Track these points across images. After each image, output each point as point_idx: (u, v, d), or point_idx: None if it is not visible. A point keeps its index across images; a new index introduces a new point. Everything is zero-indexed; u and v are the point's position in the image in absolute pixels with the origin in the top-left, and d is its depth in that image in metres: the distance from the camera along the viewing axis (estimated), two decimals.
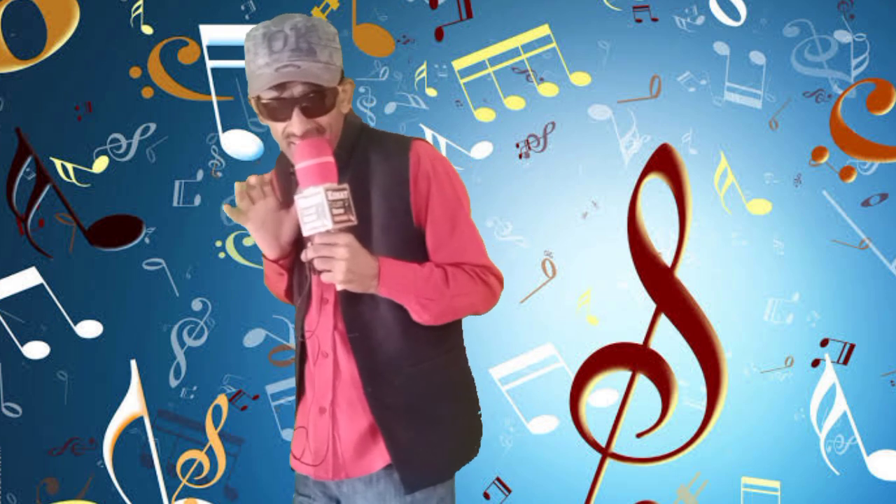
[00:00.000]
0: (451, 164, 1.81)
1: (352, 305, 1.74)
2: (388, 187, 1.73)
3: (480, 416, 1.91)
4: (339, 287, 1.66)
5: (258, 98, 1.70)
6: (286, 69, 1.62)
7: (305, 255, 1.65)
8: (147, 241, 3.36)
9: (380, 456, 1.79)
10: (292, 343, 3.35)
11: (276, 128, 1.72)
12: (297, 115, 1.66)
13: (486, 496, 3.26)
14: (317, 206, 1.59)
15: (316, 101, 1.66)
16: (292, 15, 1.67)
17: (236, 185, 1.72)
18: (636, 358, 3.23)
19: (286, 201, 1.76)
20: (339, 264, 1.62)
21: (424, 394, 1.79)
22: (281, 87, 1.65)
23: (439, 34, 3.29)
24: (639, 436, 3.22)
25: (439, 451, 1.80)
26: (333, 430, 1.80)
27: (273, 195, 1.73)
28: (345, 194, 1.62)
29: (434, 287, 1.71)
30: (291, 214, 1.74)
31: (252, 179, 1.73)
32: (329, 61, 1.67)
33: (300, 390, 1.89)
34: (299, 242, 1.81)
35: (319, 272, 1.64)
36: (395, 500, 1.78)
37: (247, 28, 3.31)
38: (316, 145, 1.63)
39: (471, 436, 1.87)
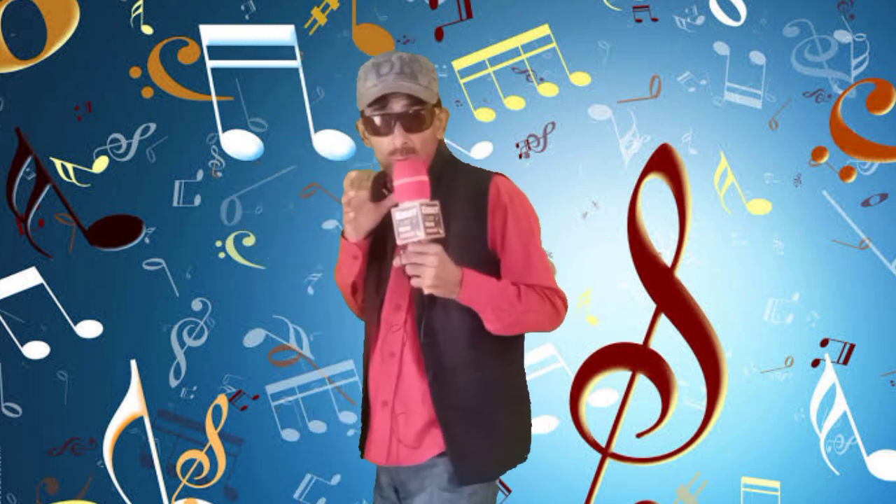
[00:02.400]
0: (527, 198, 2.03)
1: (426, 314, 1.94)
2: (467, 215, 1.95)
3: (530, 427, 2.10)
4: (426, 291, 1.85)
5: (364, 118, 1.96)
6: (391, 86, 1.90)
7: (398, 262, 1.84)
8: (147, 241, 3.36)
9: (432, 446, 1.97)
10: (292, 343, 3.35)
11: (381, 144, 1.94)
12: (397, 129, 1.91)
13: None
14: (411, 219, 1.80)
15: (415, 117, 1.92)
16: (398, 51, 1.98)
17: (351, 174, 1.97)
18: (636, 358, 3.23)
19: (375, 198, 1.98)
20: (429, 271, 1.82)
21: (484, 399, 1.97)
22: (384, 103, 1.91)
23: (439, 34, 3.29)
24: (639, 436, 3.22)
25: (491, 452, 1.98)
26: (392, 421, 1.98)
27: (367, 188, 1.96)
28: (436, 210, 1.82)
29: (508, 300, 1.91)
30: (376, 208, 1.96)
31: (356, 174, 1.96)
32: (428, 86, 1.93)
33: (366, 384, 2.08)
34: (375, 241, 2.02)
35: (410, 277, 1.84)
36: (436, 484, 1.96)
37: (247, 28, 3.32)
38: (414, 165, 1.85)
39: (521, 443, 2.06)
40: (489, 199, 1.96)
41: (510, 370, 2.05)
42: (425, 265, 1.82)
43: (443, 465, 1.96)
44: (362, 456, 2.09)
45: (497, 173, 2.02)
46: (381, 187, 2.01)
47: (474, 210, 1.96)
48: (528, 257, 1.98)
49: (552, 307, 1.97)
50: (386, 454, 2.00)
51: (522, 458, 2.06)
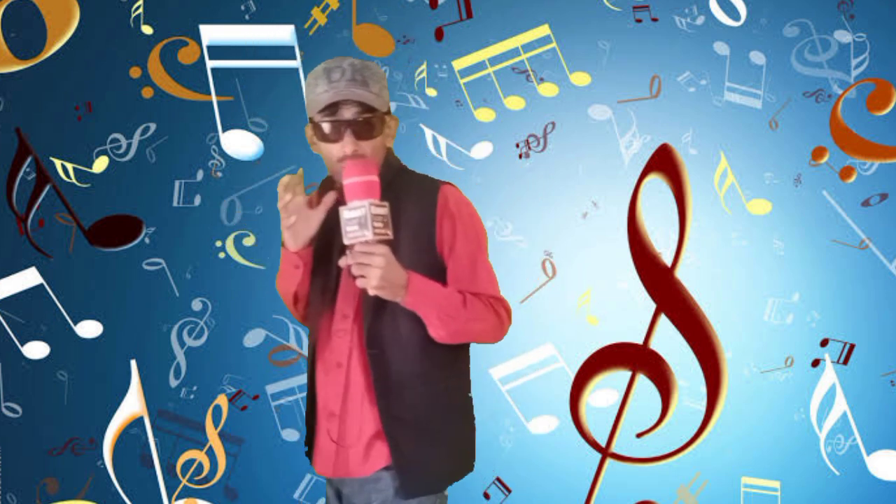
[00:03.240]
0: (473, 207, 2.02)
1: (374, 323, 1.92)
2: (416, 222, 1.94)
3: (474, 438, 2.08)
4: (371, 292, 1.82)
5: (312, 124, 1.94)
6: (342, 92, 1.89)
7: (344, 261, 1.82)
8: (147, 241, 3.36)
9: (378, 459, 1.95)
10: (292, 343, 3.35)
11: (330, 151, 1.94)
12: (348, 136, 1.89)
13: (486, 496, 3.26)
14: (360, 219, 1.78)
15: (365, 124, 1.90)
16: (348, 57, 1.98)
17: (284, 179, 1.94)
18: (636, 358, 3.23)
19: (315, 204, 1.96)
20: (375, 272, 1.79)
21: (431, 411, 1.96)
22: (335, 109, 1.90)
23: (439, 34, 3.29)
24: (639, 436, 3.22)
25: (438, 464, 1.97)
26: (340, 432, 1.96)
27: (302, 193, 1.94)
28: (385, 211, 1.81)
29: (453, 306, 1.89)
30: (315, 214, 1.93)
31: (289, 178, 1.94)
32: (379, 94, 1.93)
33: (311, 393, 2.05)
34: (316, 249, 2.00)
35: (355, 277, 1.81)
36: (381, 499, 1.95)
37: (247, 28, 3.32)
38: (363, 165, 1.83)
39: (467, 455, 2.05)
40: (437, 208, 1.96)
41: (457, 382, 2.04)
42: (371, 265, 1.79)
43: (388, 478, 1.95)
44: (311, 465, 2.07)
45: (446, 182, 2.02)
46: (328, 191, 1.98)
47: (423, 217, 1.95)
48: (474, 266, 1.98)
49: (496, 317, 1.96)
50: (333, 466, 1.99)
51: (469, 469, 2.05)
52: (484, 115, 3.30)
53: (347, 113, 1.90)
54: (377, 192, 1.82)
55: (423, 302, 1.87)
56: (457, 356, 2.01)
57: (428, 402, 1.95)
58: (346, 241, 1.81)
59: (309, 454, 2.08)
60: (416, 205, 1.96)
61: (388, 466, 1.95)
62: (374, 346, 1.92)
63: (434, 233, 1.95)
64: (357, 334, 1.95)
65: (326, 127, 1.91)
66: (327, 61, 1.95)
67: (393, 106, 3.30)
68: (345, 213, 1.80)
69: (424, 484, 1.96)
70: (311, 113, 1.95)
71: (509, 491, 3.29)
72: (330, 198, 1.91)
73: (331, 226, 1.94)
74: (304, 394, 3.33)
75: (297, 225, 1.92)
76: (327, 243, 1.98)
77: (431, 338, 1.92)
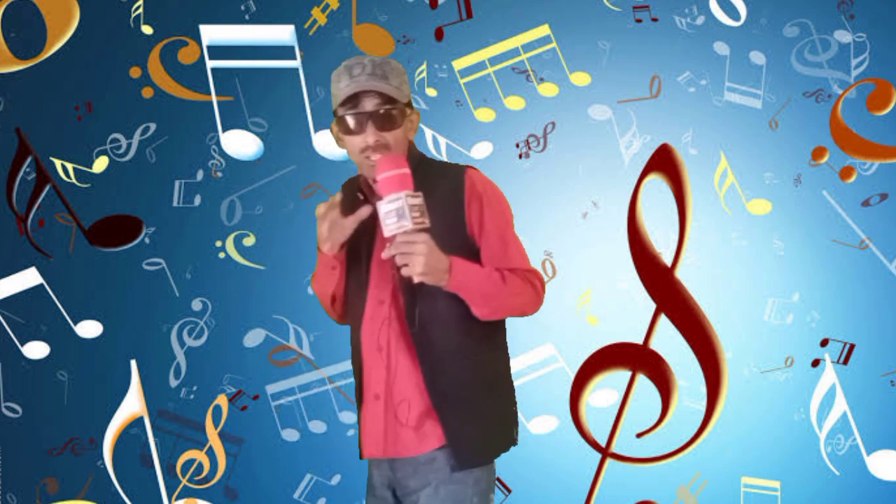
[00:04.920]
0: (498, 188, 2.09)
1: (413, 303, 1.98)
2: (445, 207, 2.00)
3: (517, 410, 2.14)
4: (416, 280, 1.88)
5: (337, 119, 2.00)
6: (362, 85, 1.95)
7: (387, 253, 1.88)
8: (147, 241, 3.36)
9: (432, 438, 2.01)
10: (292, 343, 3.36)
11: (353, 143, 1.99)
12: (370, 127, 1.96)
13: None
14: (398, 210, 1.84)
15: (386, 116, 1.96)
16: (369, 55, 2.05)
17: (320, 206, 1.99)
18: (636, 358, 3.23)
19: (346, 212, 2.03)
20: (419, 259, 1.85)
21: (473, 384, 2.02)
22: (356, 102, 1.96)
23: (439, 34, 3.29)
24: (639, 436, 3.22)
25: (485, 436, 2.03)
26: (386, 413, 2.02)
27: (336, 207, 1.99)
28: (420, 200, 1.86)
29: (494, 284, 1.96)
30: (348, 222, 2.00)
31: (330, 202, 1.99)
32: (399, 87, 1.99)
33: (358, 385, 2.11)
34: (349, 246, 2.07)
35: (398, 268, 1.87)
36: (435, 477, 2.00)
37: (247, 28, 3.32)
38: (395, 159, 1.89)
39: (509, 426, 2.10)
40: (465, 191, 2.02)
41: (496, 355, 2.10)
42: (414, 253, 1.85)
43: (442, 457, 2.00)
44: (361, 456, 2.12)
45: (469, 166, 2.08)
46: (356, 191, 2.06)
47: (452, 202, 2.01)
48: (505, 243, 2.04)
49: (533, 290, 2.03)
50: (383, 447, 2.03)
51: (513, 442, 2.10)
52: (484, 115, 3.30)
53: (369, 105, 1.96)
54: (410, 183, 1.87)
55: (466, 284, 1.93)
56: (495, 329, 2.07)
57: (471, 376, 2.01)
58: (386, 234, 1.87)
59: (360, 444, 2.13)
60: (443, 191, 2.02)
61: (440, 447, 2.00)
62: (415, 324, 1.99)
63: (463, 215, 2.00)
64: (395, 318, 2.01)
65: (349, 119, 1.97)
66: (348, 59, 2.02)
67: None
68: (382, 207, 1.85)
69: (474, 456, 2.01)
70: (334, 108, 2.02)
71: (509, 491, 3.29)
72: (366, 211, 1.99)
73: (358, 226, 2.01)
74: (304, 394, 3.35)
75: (334, 232, 1.98)
76: (353, 241, 2.04)
77: (469, 314, 1.98)
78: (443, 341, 1.99)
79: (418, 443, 2.01)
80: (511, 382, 2.14)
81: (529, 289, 2.02)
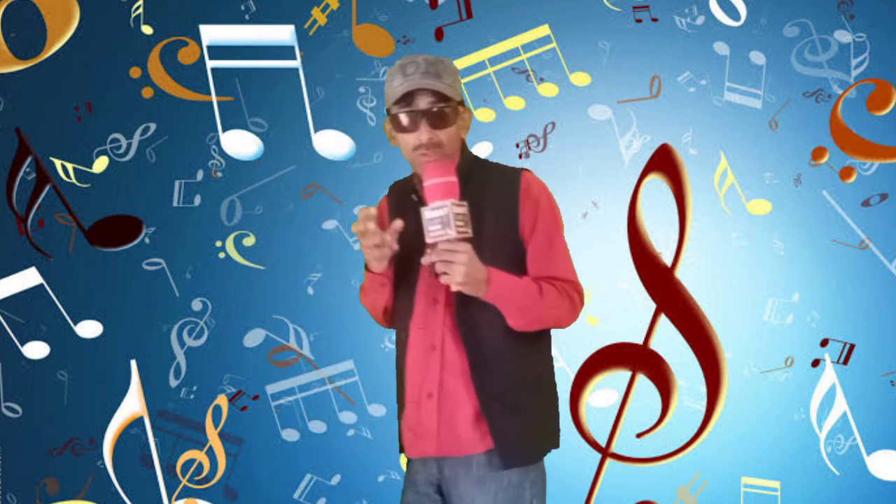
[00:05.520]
0: (551, 193, 2.11)
1: (464, 305, 2.00)
2: (500, 208, 2.02)
3: (558, 412, 2.17)
4: (454, 288, 1.89)
5: (390, 116, 2.01)
6: (416, 83, 1.96)
7: (427, 260, 1.89)
8: (147, 241, 3.36)
9: (480, 440, 2.02)
10: (292, 343, 3.36)
11: (406, 141, 2.01)
12: (423, 125, 1.97)
13: None
14: (442, 218, 1.84)
15: (439, 113, 1.98)
16: (423, 53, 2.04)
17: (366, 211, 1.96)
18: (636, 358, 3.23)
19: (395, 213, 2.05)
20: (459, 268, 1.86)
21: (519, 385, 2.04)
22: (410, 100, 1.98)
23: (439, 34, 3.29)
24: (639, 436, 3.22)
25: (530, 435, 2.05)
26: (440, 412, 2.03)
27: (375, 222, 1.98)
28: (465, 210, 1.87)
29: (530, 296, 1.97)
30: (387, 237, 1.98)
31: (367, 210, 1.96)
32: (452, 85, 2.00)
33: (401, 381, 2.11)
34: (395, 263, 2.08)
35: (438, 275, 1.89)
36: (493, 481, 2.01)
37: (247, 28, 3.32)
38: (443, 166, 1.89)
39: (554, 427, 2.14)
40: (520, 192, 2.03)
41: (541, 358, 2.11)
42: (455, 262, 1.86)
43: (496, 461, 2.01)
44: (405, 453, 2.12)
45: (525, 168, 2.10)
46: (408, 192, 2.07)
47: (507, 204, 2.03)
48: (553, 249, 2.05)
49: (570, 302, 2.03)
50: (436, 445, 2.04)
51: (556, 443, 2.13)
52: (484, 115, 3.30)
53: (422, 103, 1.97)
54: (457, 192, 1.88)
55: (503, 295, 1.94)
56: (541, 332, 2.08)
57: (516, 375, 2.03)
58: (428, 241, 1.87)
59: (401, 445, 2.14)
60: (499, 191, 2.04)
61: (491, 450, 2.01)
62: (465, 324, 2.00)
63: (518, 217, 2.02)
64: (448, 318, 2.02)
65: (403, 117, 1.98)
66: (402, 58, 2.03)
67: None
68: (426, 213, 1.86)
69: (522, 454, 2.03)
70: (388, 106, 2.03)
71: None
72: (398, 224, 1.98)
73: (406, 228, 2.00)
74: (304, 394, 3.35)
75: (383, 250, 1.98)
76: (404, 243, 2.03)
77: None
78: (491, 342, 2.01)
79: (473, 442, 2.02)
80: (554, 385, 2.16)
81: (566, 302, 2.02)
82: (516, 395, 2.03)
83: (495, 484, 2.01)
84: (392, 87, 2.00)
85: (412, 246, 2.02)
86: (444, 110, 1.98)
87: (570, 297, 2.03)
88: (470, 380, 2.01)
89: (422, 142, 1.98)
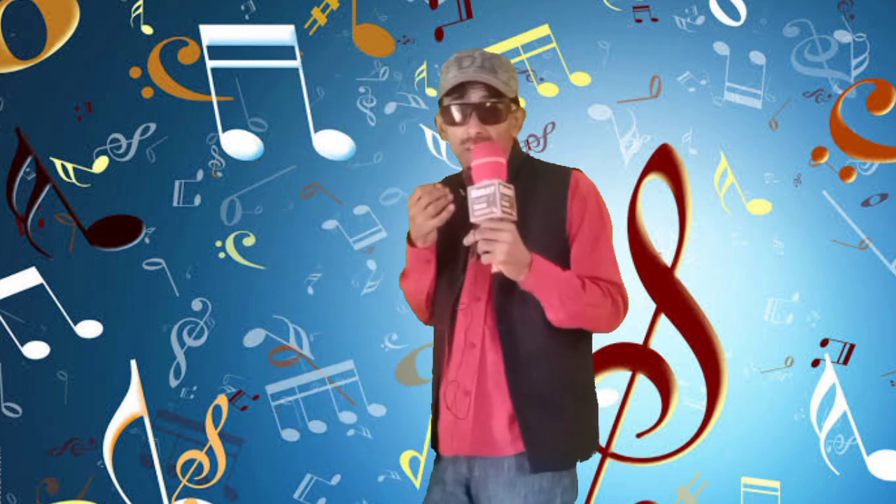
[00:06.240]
0: (600, 194, 2.07)
1: (504, 301, 1.96)
2: (548, 205, 1.99)
3: (597, 420, 2.10)
4: (495, 268, 1.85)
5: (441, 109, 1.98)
6: (470, 76, 1.93)
7: (470, 239, 1.85)
8: (147, 241, 3.37)
9: (513, 442, 1.98)
10: (292, 343, 3.36)
11: (455, 134, 1.97)
12: (473, 119, 1.94)
13: None
14: (488, 196, 1.81)
15: (491, 109, 1.94)
16: (480, 48, 2.02)
17: (434, 187, 1.93)
18: (636, 358, 3.23)
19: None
20: (502, 246, 1.82)
21: (556, 388, 1.99)
22: (462, 92, 1.94)
23: (439, 34, 3.29)
24: (639, 436, 3.22)
25: (564, 440, 1.99)
26: (476, 410, 1.99)
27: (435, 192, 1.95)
28: (511, 192, 1.84)
29: (573, 289, 1.92)
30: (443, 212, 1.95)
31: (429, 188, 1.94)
32: (507, 82, 1.97)
33: (437, 377, 2.08)
34: (439, 242, 2.03)
35: (479, 255, 1.85)
36: (524, 485, 1.97)
37: (247, 28, 3.32)
38: (492, 147, 1.87)
39: (590, 434, 2.07)
40: (569, 190, 2.00)
41: (580, 362, 2.06)
42: (499, 241, 1.82)
43: (526, 464, 1.97)
44: (437, 450, 2.08)
45: (575, 168, 2.07)
46: (457, 188, 2.00)
47: (555, 201, 1.99)
48: (597, 249, 2.01)
49: (613, 305, 1.98)
50: (470, 444, 2.00)
51: (593, 451, 2.07)
52: None
53: (475, 96, 1.94)
54: (504, 173, 1.85)
55: (544, 283, 1.89)
56: (581, 336, 2.04)
57: (553, 378, 1.98)
58: (472, 220, 1.83)
59: (434, 442, 2.10)
60: (547, 189, 2.01)
61: (522, 453, 1.97)
62: (504, 322, 1.97)
63: (565, 215, 1.98)
64: (490, 315, 1.98)
65: (454, 110, 1.95)
66: (460, 51, 2.00)
67: (392, 106, 3.31)
68: (473, 192, 1.83)
69: (553, 459, 1.98)
70: (440, 98, 2.00)
71: None
72: (449, 205, 1.93)
73: (452, 220, 1.96)
74: (304, 394, 3.35)
75: (433, 221, 1.93)
76: (449, 235, 2.00)
77: None
78: (529, 343, 1.97)
79: (505, 444, 1.98)
80: (594, 391, 2.10)
81: (609, 302, 1.97)
82: (552, 399, 1.98)
83: (525, 488, 1.97)
84: (446, 79, 1.97)
85: (458, 241, 1.97)
86: (497, 106, 1.95)
87: (614, 299, 1.98)
88: (505, 380, 1.97)
89: (470, 136, 1.94)
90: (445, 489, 2.05)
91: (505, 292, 1.96)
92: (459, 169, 2.13)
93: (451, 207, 1.91)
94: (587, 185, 2.05)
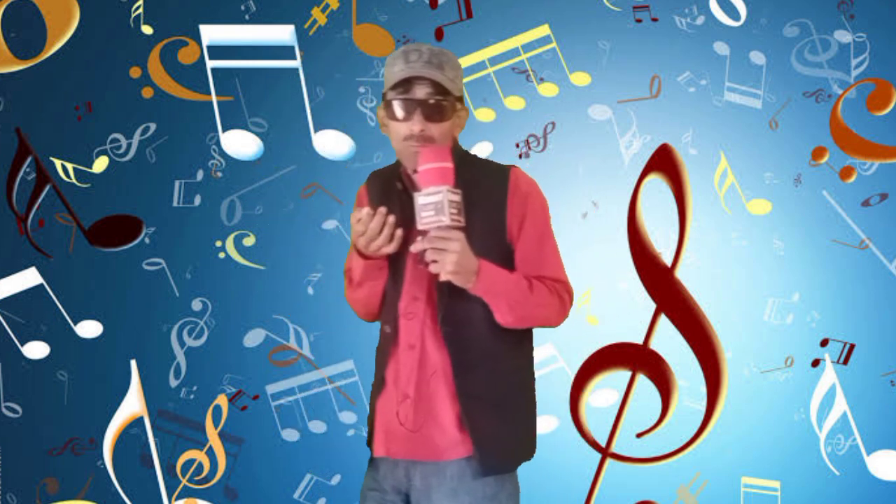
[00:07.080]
0: (541, 190, 2.05)
1: (449, 304, 1.93)
2: (487, 205, 1.95)
3: (535, 421, 2.08)
4: (443, 277, 1.83)
5: (385, 103, 1.95)
6: (417, 71, 1.90)
7: (417, 246, 1.83)
8: (147, 241, 3.37)
9: (457, 446, 1.95)
10: (292, 343, 3.36)
11: (397, 130, 1.94)
12: (417, 115, 1.90)
13: None
14: (436, 204, 1.79)
15: (436, 106, 1.91)
16: (428, 43, 2.00)
17: (357, 213, 1.90)
18: (636, 358, 3.23)
19: (376, 202, 1.98)
20: (451, 256, 1.81)
21: (502, 389, 1.97)
22: (408, 87, 1.91)
23: (439, 34, 3.29)
24: (639, 436, 3.22)
25: (510, 443, 1.98)
26: (415, 415, 1.96)
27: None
28: (459, 198, 1.82)
29: (521, 292, 1.91)
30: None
31: (359, 212, 1.90)
32: (453, 79, 1.94)
33: (379, 380, 2.04)
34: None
35: (427, 263, 1.83)
36: (467, 492, 1.94)
37: (247, 28, 3.32)
38: (439, 152, 1.84)
39: (532, 436, 2.05)
40: (509, 190, 1.97)
41: (524, 363, 2.05)
42: (448, 250, 1.80)
43: (472, 468, 1.93)
44: (372, 450, 2.04)
45: (513, 165, 2.03)
46: (392, 179, 2.00)
47: (494, 201, 1.96)
48: (542, 246, 2.00)
49: (560, 302, 1.98)
50: (407, 448, 1.96)
51: (533, 451, 2.04)
52: (484, 115, 3.30)
53: (420, 92, 1.91)
54: (451, 178, 1.83)
55: (493, 289, 1.89)
56: (523, 337, 2.02)
57: (499, 380, 1.96)
58: (419, 227, 1.81)
59: (370, 441, 2.06)
60: (486, 188, 1.97)
61: (470, 457, 1.94)
62: (449, 324, 1.93)
63: (505, 214, 1.96)
64: (429, 315, 1.96)
65: (398, 105, 1.92)
66: (407, 44, 1.98)
67: None
68: (420, 199, 1.80)
69: (498, 462, 1.95)
70: (384, 92, 1.96)
71: None
72: (384, 210, 1.89)
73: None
74: (304, 394, 3.35)
75: (390, 247, 1.90)
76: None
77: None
78: (475, 344, 1.94)
79: (449, 448, 1.94)
80: (534, 392, 2.08)
81: (556, 300, 1.97)
82: (499, 400, 1.96)
83: (469, 496, 1.92)
84: (391, 73, 1.93)
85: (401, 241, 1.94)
86: (442, 103, 1.91)
87: (560, 297, 1.98)
88: (451, 382, 1.93)
89: (413, 132, 1.91)
90: (386, 498, 2.01)
91: (449, 292, 1.92)
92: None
93: (399, 233, 1.87)
94: (527, 182, 2.01)
